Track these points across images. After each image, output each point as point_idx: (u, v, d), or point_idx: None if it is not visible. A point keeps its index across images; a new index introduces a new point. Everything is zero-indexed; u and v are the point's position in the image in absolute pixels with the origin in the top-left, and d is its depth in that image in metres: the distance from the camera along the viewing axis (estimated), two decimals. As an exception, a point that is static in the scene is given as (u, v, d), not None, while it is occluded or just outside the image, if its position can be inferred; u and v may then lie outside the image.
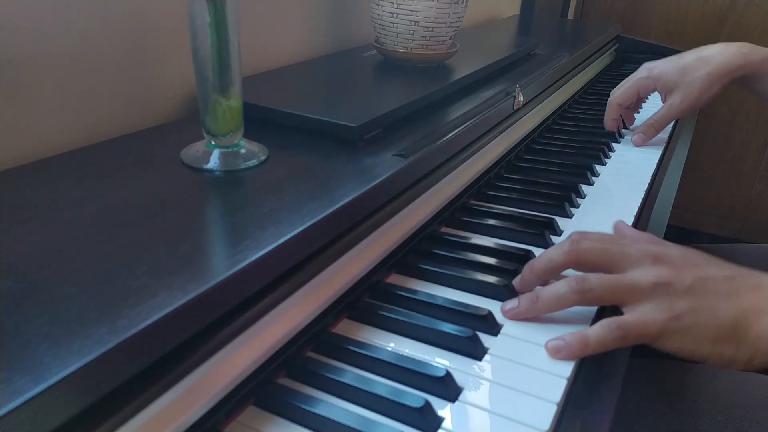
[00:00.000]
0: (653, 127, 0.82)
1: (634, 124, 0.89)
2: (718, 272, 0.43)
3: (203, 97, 0.45)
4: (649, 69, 0.82)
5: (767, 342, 0.40)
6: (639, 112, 0.92)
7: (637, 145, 0.82)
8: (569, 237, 0.47)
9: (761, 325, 0.40)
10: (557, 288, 0.44)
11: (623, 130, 0.87)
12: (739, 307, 0.41)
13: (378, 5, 0.72)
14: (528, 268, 0.47)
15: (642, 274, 0.43)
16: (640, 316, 0.41)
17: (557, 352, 0.41)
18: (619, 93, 0.84)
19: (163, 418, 0.29)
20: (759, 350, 0.40)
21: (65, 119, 0.51)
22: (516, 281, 0.48)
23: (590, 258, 0.45)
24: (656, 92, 0.85)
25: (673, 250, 0.45)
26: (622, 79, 0.86)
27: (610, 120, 0.85)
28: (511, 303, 0.45)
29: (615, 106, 0.84)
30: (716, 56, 0.79)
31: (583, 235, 0.46)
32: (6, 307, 0.28)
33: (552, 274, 0.46)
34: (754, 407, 0.51)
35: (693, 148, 0.89)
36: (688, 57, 0.81)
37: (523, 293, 0.46)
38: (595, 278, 0.43)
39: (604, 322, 0.41)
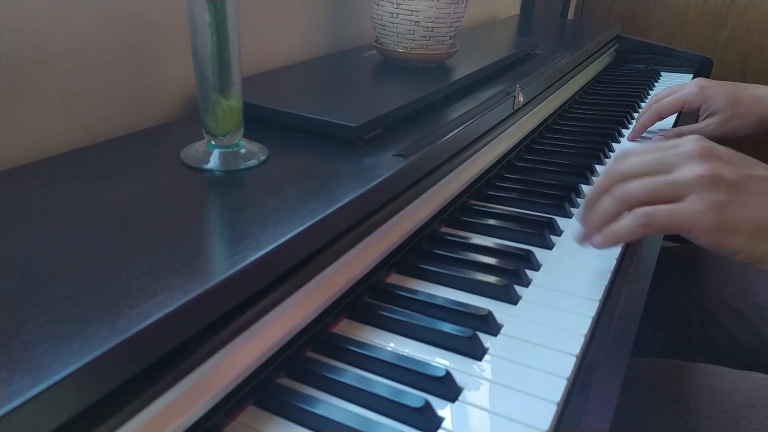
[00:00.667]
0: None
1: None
2: (765, 173, 0.43)
3: (203, 97, 0.45)
4: (702, 87, 0.81)
5: None
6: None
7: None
8: (613, 158, 0.47)
9: None
10: (604, 205, 0.45)
11: (624, 131, 0.87)
12: None
13: (378, 5, 0.72)
14: (583, 204, 0.49)
15: (687, 170, 0.42)
16: (673, 207, 0.42)
17: (598, 244, 0.45)
18: (665, 102, 0.82)
19: (163, 418, 0.29)
20: None
21: (65, 119, 0.51)
22: (577, 214, 0.50)
23: (633, 172, 0.45)
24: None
25: (721, 148, 0.45)
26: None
27: (641, 126, 0.83)
28: (578, 231, 0.48)
29: (655, 114, 0.82)
30: None
31: (626, 154, 0.47)
32: (6, 307, 0.28)
33: (601, 204, 0.46)
34: (753, 406, 0.51)
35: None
36: (744, 91, 0.80)
37: (583, 224, 0.48)
38: (636, 184, 0.44)
39: (634, 212, 0.43)
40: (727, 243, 0.41)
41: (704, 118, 0.81)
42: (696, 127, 0.80)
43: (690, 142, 0.45)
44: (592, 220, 0.46)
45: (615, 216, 0.45)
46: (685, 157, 0.43)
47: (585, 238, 0.48)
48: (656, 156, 0.45)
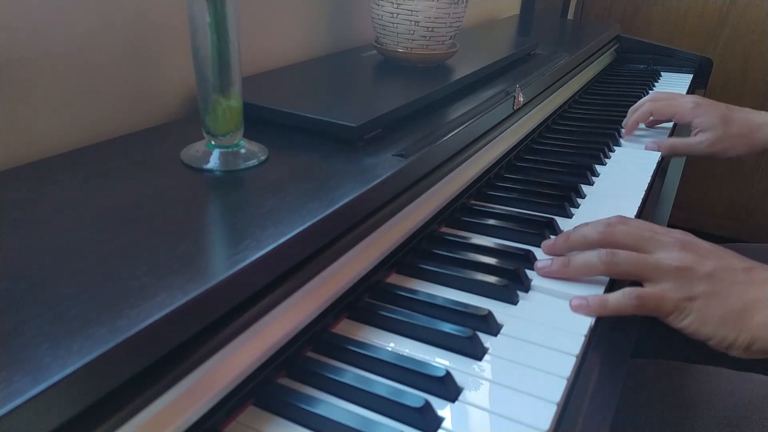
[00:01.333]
0: (671, 149, 0.82)
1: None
2: (738, 264, 0.47)
3: (203, 97, 0.45)
4: (696, 104, 0.83)
5: (767, 331, 0.43)
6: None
7: (648, 149, 0.82)
8: (608, 219, 0.51)
9: (765, 315, 0.43)
10: (588, 257, 0.49)
11: (624, 131, 0.87)
12: (751, 296, 0.44)
13: (378, 5, 0.72)
14: (562, 238, 0.52)
15: (667, 257, 0.46)
16: (660, 291, 0.45)
17: (578, 309, 0.45)
18: (658, 105, 0.84)
19: (163, 418, 0.29)
20: (757, 338, 0.43)
21: (65, 119, 0.51)
22: (546, 244, 0.53)
23: (622, 240, 0.49)
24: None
25: (702, 242, 0.49)
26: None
27: (633, 122, 0.85)
28: (544, 262, 0.50)
29: (646, 113, 0.85)
30: (760, 123, 0.80)
31: (621, 220, 0.51)
32: (6, 307, 0.28)
33: (583, 248, 0.50)
34: (752, 407, 0.51)
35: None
36: (736, 113, 0.82)
37: (558, 261, 0.50)
38: (623, 254, 0.47)
39: (625, 290, 0.46)
40: (699, 330, 0.45)
41: (696, 134, 0.82)
42: (688, 142, 0.82)
43: (677, 234, 0.50)
44: (569, 264, 0.49)
45: (594, 273, 0.49)
46: (669, 244, 0.48)
47: (549, 275, 0.50)
48: (646, 235, 0.49)
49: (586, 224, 0.52)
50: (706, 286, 0.45)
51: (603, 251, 0.48)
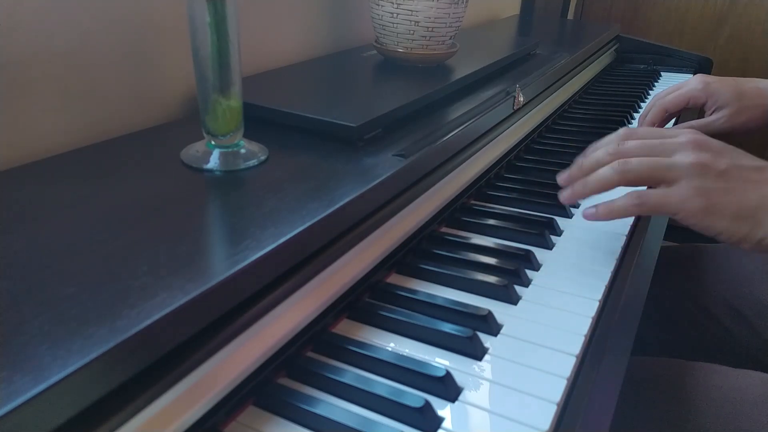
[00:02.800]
0: None
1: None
2: (750, 162, 0.48)
3: (203, 97, 0.45)
4: (706, 83, 0.81)
5: None
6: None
7: None
8: (616, 135, 0.53)
9: None
10: (602, 172, 0.50)
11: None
12: (764, 194, 0.46)
13: (378, 5, 0.72)
14: (576, 166, 0.53)
15: (682, 157, 0.48)
16: (664, 191, 0.47)
17: (589, 216, 0.50)
18: (669, 98, 0.81)
19: (163, 418, 0.29)
20: None
21: (65, 119, 0.51)
22: (562, 177, 0.54)
23: (636, 154, 0.50)
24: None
25: (713, 141, 0.50)
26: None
27: (649, 123, 0.83)
28: (566, 191, 0.53)
29: (660, 110, 0.82)
30: None
31: (628, 133, 0.52)
32: (6, 307, 0.28)
33: (597, 169, 0.51)
34: (752, 404, 0.51)
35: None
36: (747, 84, 0.81)
37: (574, 185, 0.52)
38: (635, 160, 0.49)
39: (630, 192, 0.48)
40: (711, 225, 0.46)
41: (711, 113, 0.81)
42: (705, 122, 0.80)
43: (686, 134, 0.50)
44: (586, 183, 0.51)
45: (611, 185, 0.50)
46: (681, 146, 0.49)
47: (572, 198, 0.52)
48: (656, 142, 0.50)
49: (597, 147, 0.53)
50: (721, 182, 0.46)
51: (616, 162, 0.49)
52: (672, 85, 0.84)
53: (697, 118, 0.83)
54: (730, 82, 0.81)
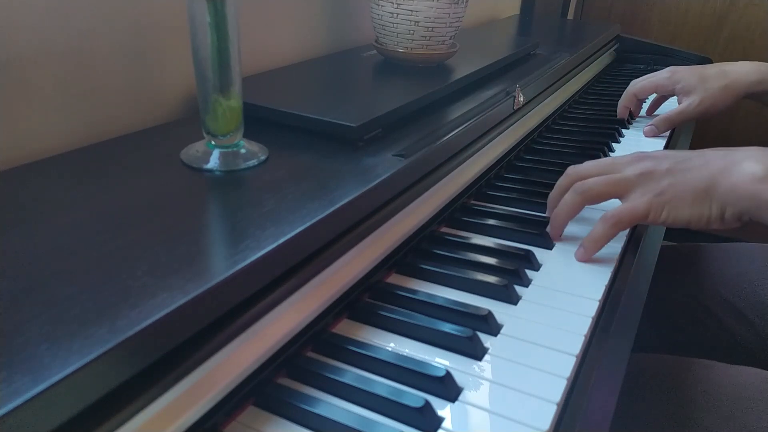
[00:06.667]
0: (667, 122, 0.85)
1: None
2: (688, 154, 0.53)
3: (203, 97, 0.45)
4: (672, 72, 0.87)
5: (733, 194, 0.48)
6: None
7: (648, 136, 0.86)
8: (567, 170, 0.57)
9: (728, 180, 0.48)
10: (565, 198, 0.54)
11: (624, 131, 0.87)
12: (709, 172, 0.50)
13: (378, 5, 0.72)
14: (549, 201, 0.58)
15: (630, 170, 0.53)
16: (629, 203, 0.51)
17: (581, 257, 0.51)
18: (638, 85, 0.90)
19: (163, 418, 0.29)
20: (727, 204, 0.48)
21: (65, 119, 0.51)
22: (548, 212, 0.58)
23: (589, 172, 0.54)
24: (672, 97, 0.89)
25: (655, 151, 0.55)
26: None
27: (622, 107, 0.91)
28: (549, 228, 0.56)
29: (631, 95, 0.90)
30: (735, 71, 0.84)
31: (578, 166, 0.56)
32: (6, 307, 0.28)
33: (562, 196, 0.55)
34: (751, 400, 0.51)
35: (693, 147, 0.90)
36: (710, 69, 0.86)
37: (551, 221, 0.55)
38: (591, 180, 0.53)
39: (602, 217, 0.51)
40: (678, 217, 0.50)
41: (681, 100, 0.86)
42: (678, 110, 0.85)
43: (629, 154, 0.55)
44: (558, 215, 0.54)
45: (576, 206, 0.53)
46: (627, 163, 0.54)
47: (554, 232, 0.55)
48: (607, 161, 0.55)
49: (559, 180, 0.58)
50: (669, 179, 0.51)
51: (573, 186, 0.53)
52: (645, 75, 0.91)
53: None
54: (695, 69, 0.87)
